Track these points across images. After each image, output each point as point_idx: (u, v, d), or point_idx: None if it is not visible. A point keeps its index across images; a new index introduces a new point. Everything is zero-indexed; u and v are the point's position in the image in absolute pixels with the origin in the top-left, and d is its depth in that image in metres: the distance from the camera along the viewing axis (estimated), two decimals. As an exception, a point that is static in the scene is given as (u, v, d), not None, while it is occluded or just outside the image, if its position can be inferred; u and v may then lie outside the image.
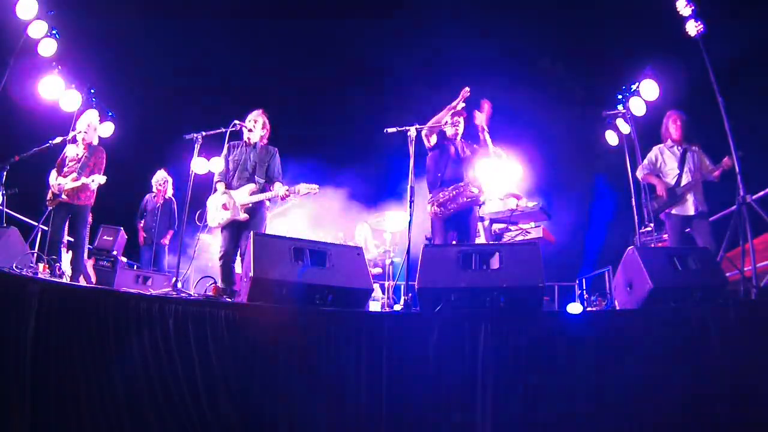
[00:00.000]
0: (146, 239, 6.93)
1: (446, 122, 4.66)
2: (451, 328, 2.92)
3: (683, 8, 4.53)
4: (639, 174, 5.05)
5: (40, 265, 4.18)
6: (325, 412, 2.81)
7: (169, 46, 7.66)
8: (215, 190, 4.55)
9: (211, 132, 4.37)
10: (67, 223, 5.08)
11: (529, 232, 5.45)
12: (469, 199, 4.50)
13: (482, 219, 5.50)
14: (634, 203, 6.07)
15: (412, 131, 4.13)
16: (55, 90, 6.23)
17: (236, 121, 4.47)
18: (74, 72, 6.43)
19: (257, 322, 2.91)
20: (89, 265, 5.79)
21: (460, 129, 4.74)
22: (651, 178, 4.87)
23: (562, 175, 7.11)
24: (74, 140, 5.20)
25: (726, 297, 3.20)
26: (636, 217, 5.98)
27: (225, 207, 4.43)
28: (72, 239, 5.23)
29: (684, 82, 5.64)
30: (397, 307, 4.02)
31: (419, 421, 2.80)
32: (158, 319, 2.85)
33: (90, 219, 5.38)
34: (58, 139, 4.99)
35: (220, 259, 4.45)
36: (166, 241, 7.00)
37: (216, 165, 4.69)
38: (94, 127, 5.37)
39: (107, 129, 6.89)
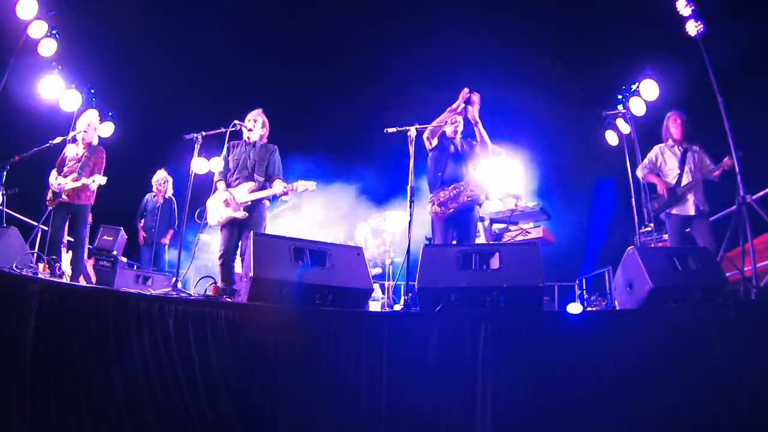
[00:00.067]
0: (146, 239, 6.93)
1: (446, 122, 4.66)
2: (451, 328, 2.92)
3: (683, 8, 4.53)
4: (639, 173, 5.05)
5: (40, 265, 4.18)
6: (325, 412, 2.81)
7: (169, 46, 7.67)
8: (215, 189, 4.55)
9: (211, 132, 4.37)
10: (67, 223, 5.08)
11: (529, 232, 5.45)
12: (469, 199, 4.50)
13: (482, 219, 5.50)
14: (634, 203, 6.08)
15: (412, 131, 4.12)
16: (55, 90, 6.23)
17: (236, 121, 4.48)
18: (74, 72, 6.42)
19: (257, 322, 2.91)
20: (89, 265, 5.79)
21: (460, 128, 4.74)
22: (651, 178, 4.87)
23: (562, 175, 7.12)
24: (74, 140, 5.20)
25: (726, 297, 3.20)
26: (636, 217, 5.99)
27: (227, 203, 4.44)
28: (72, 239, 5.23)
29: (684, 82, 5.64)
30: (397, 307, 4.02)
31: (419, 421, 2.80)
32: (158, 319, 2.85)
33: (90, 219, 5.38)
34: (58, 139, 4.99)
35: (219, 259, 4.45)
36: (167, 240, 7.00)
37: (216, 165, 4.69)
38: (94, 127, 5.37)
39: (107, 129, 6.89)
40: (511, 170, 5.74)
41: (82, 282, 4.98)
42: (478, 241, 5.12)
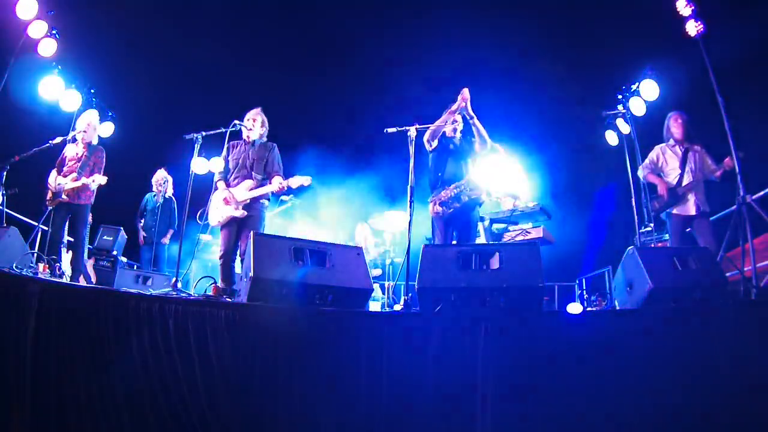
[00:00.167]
0: (146, 239, 6.93)
1: (446, 122, 4.66)
2: (451, 328, 2.92)
3: (683, 8, 4.52)
4: (640, 173, 5.06)
5: (40, 265, 4.18)
6: (325, 412, 2.81)
7: (169, 46, 7.66)
8: (216, 189, 4.56)
9: (211, 132, 4.38)
10: (67, 223, 5.09)
11: (529, 232, 5.45)
12: (470, 198, 4.50)
13: (482, 219, 5.51)
14: (634, 203, 6.08)
15: (412, 131, 4.12)
16: (55, 90, 6.23)
17: (236, 121, 4.48)
18: (74, 72, 6.42)
19: (257, 322, 2.90)
20: (89, 265, 5.79)
21: (459, 126, 4.74)
22: (652, 178, 4.87)
23: (562, 175, 7.10)
24: (74, 140, 5.21)
25: (726, 297, 3.20)
26: (636, 217, 5.99)
27: (226, 201, 4.45)
28: (72, 239, 5.23)
29: (684, 82, 5.64)
30: (397, 307, 4.02)
31: (419, 421, 2.80)
32: (158, 319, 2.85)
33: (90, 219, 5.39)
34: (58, 139, 4.99)
35: (219, 259, 4.46)
36: (166, 240, 7.00)
37: (216, 165, 4.70)
38: (94, 127, 5.37)
39: (107, 129, 6.89)
40: (509, 169, 5.74)
41: (82, 282, 4.98)
42: (478, 241, 5.12)
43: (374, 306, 5.67)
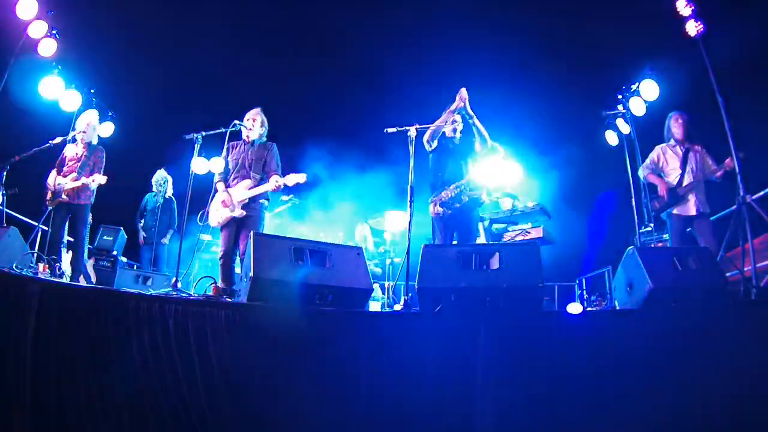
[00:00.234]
0: (146, 239, 6.93)
1: (446, 123, 4.66)
2: (451, 328, 2.92)
3: (683, 8, 4.52)
4: (641, 173, 5.06)
5: (40, 265, 4.18)
6: (325, 412, 2.81)
7: (169, 45, 7.66)
8: (215, 191, 4.56)
9: (211, 132, 4.38)
10: (67, 223, 5.08)
11: (529, 232, 5.45)
12: (470, 198, 4.50)
13: (482, 219, 5.51)
14: (634, 203, 6.08)
15: (412, 131, 4.12)
16: (55, 90, 6.23)
17: (236, 121, 4.49)
18: (74, 72, 6.42)
19: (257, 322, 2.91)
20: (89, 265, 5.79)
21: (459, 126, 4.74)
22: (653, 178, 4.87)
23: (562, 175, 7.10)
24: (74, 140, 5.21)
25: (726, 297, 3.20)
26: (636, 217, 5.99)
27: (224, 203, 4.45)
28: (72, 239, 5.23)
29: (684, 82, 5.63)
30: (397, 307, 4.02)
31: (419, 421, 2.80)
32: (158, 319, 2.85)
33: (90, 219, 5.39)
34: (58, 139, 4.99)
35: (220, 259, 4.47)
36: (166, 240, 7.00)
37: (216, 165, 4.70)
38: (93, 127, 5.38)
39: (107, 129, 6.89)
40: (509, 169, 5.74)
41: (82, 282, 4.98)
42: (478, 241, 5.12)
43: (374, 306, 5.67)
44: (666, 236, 5.24)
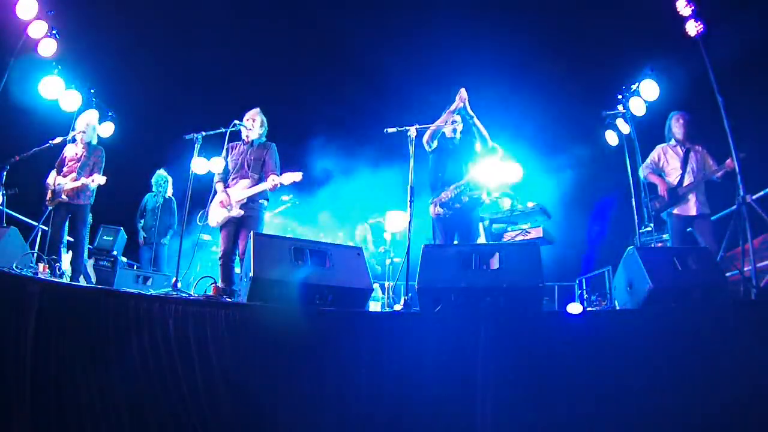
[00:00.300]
0: (146, 239, 6.93)
1: (445, 123, 4.66)
2: (451, 328, 2.92)
3: (683, 8, 4.52)
4: (642, 173, 5.06)
5: (40, 265, 4.18)
6: (325, 412, 2.81)
7: (169, 46, 7.66)
8: (215, 191, 4.56)
9: (211, 132, 4.38)
10: (67, 223, 5.09)
11: (529, 232, 5.45)
12: (470, 198, 4.50)
13: (482, 219, 5.51)
14: (634, 203, 6.08)
15: (412, 131, 4.12)
16: (55, 90, 6.23)
17: (236, 121, 4.49)
18: (74, 72, 6.42)
19: (257, 322, 2.91)
20: (89, 265, 5.79)
21: (459, 127, 4.74)
22: (653, 178, 4.87)
23: (562, 175, 7.10)
24: (73, 140, 5.21)
25: (726, 297, 3.20)
26: (636, 217, 5.99)
27: (222, 204, 4.45)
28: (72, 239, 5.24)
29: (684, 82, 5.64)
30: (397, 307, 4.02)
31: (419, 421, 2.80)
32: (158, 319, 2.85)
33: (90, 219, 5.39)
34: (58, 139, 5.00)
35: (220, 260, 4.47)
36: (166, 240, 7.00)
37: (216, 165, 4.70)
38: (93, 127, 5.38)
39: (107, 129, 6.89)
40: (508, 169, 5.74)
41: (82, 282, 4.98)
42: (478, 241, 5.12)
43: (374, 306, 5.68)
44: (666, 236, 5.24)
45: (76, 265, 5.04)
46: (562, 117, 7.59)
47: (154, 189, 7.12)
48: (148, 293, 3.42)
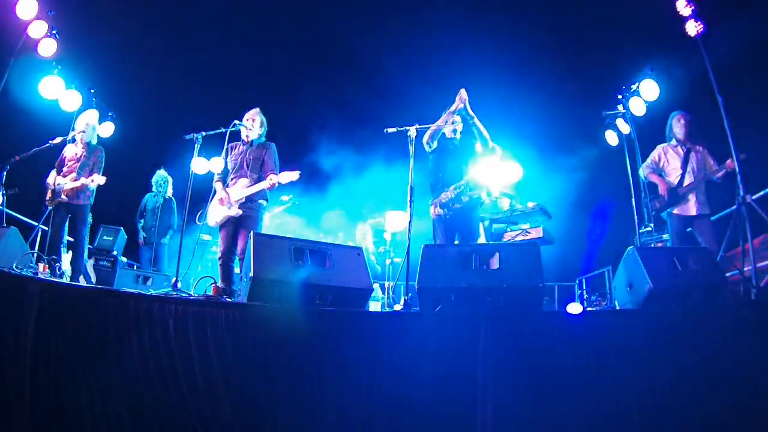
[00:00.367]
0: (146, 239, 6.93)
1: (445, 123, 4.65)
2: (451, 328, 2.92)
3: (683, 8, 4.52)
4: (642, 172, 5.06)
5: (40, 265, 4.18)
6: (325, 412, 2.81)
7: (169, 46, 7.66)
8: (214, 191, 4.56)
9: (211, 132, 4.37)
10: (67, 223, 5.09)
11: (529, 232, 5.45)
12: (470, 198, 4.50)
13: (482, 219, 5.50)
14: (634, 203, 6.08)
15: (412, 131, 4.12)
16: (55, 90, 6.23)
17: (236, 121, 4.49)
18: (74, 72, 6.42)
19: (257, 322, 2.91)
20: (89, 265, 5.79)
21: (459, 127, 4.74)
22: (653, 177, 4.87)
23: (562, 175, 7.11)
24: (73, 140, 5.21)
25: (726, 297, 3.20)
26: (636, 217, 5.99)
27: (222, 201, 4.46)
28: (72, 239, 5.24)
29: (684, 82, 5.64)
30: (397, 307, 4.02)
31: (419, 421, 2.80)
32: (158, 319, 2.85)
33: (90, 219, 5.39)
34: (58, 139, 5.00)
35: (219, 260, 4.47)
36: (166, 240, 7.01)
37: (216, 165, 4.70)
38: (93, 127, 5.38)
39: (107, 129, 6.89)
40: (508, 169, 5.74)
41: (82, 282, 4.98)
42: (478, 241, 5.12)
43: (374, 306, 5.67)
44: (666, 236, 5.25)
45: (76, 265, 5.04)
46: (562, 117, 7.59)
47: (154, 189, 7.12)
48: (148, 293, 3.42)
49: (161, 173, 7.13)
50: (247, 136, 4.66)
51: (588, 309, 4.55)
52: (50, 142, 4.94)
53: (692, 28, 4.47)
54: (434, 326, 2.93)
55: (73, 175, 5.01)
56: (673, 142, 4.86)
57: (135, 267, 6.75)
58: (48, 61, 6.05)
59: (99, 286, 3.95)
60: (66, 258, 5.22)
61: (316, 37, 8.54)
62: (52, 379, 2.75)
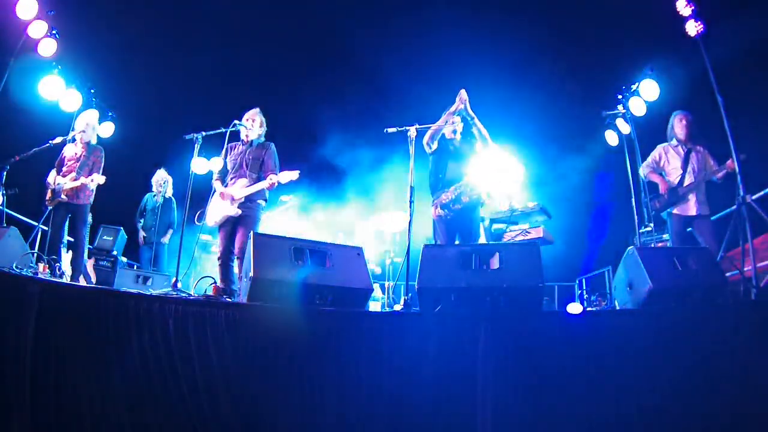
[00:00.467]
0: (146, 239, 6.93)
1: (445, 123, 4.65)
2: (451, 328, 2.92)
3: (683, 8, 4.52)
4: (642, 172, 5.06)
5: (40, 265, 4.18)
6: (325, 412, 2.81)
7: (169, 46, 7.66)
8: (213, 190, 4.57)
9: (211, 132, 4.37)
10: (67, 223, 5.09)
11: (529, 232, 5.45)
12: (471, 198, 4.50)
13: (482, 219, 5.50)
14: (634, 203, 6.08)
15: (412, 131, 4.12)
16: (55, 90, 6.23)
17: (236, 121, 4.49)
18: (74, 72, 6.42)
19: (257, 322, 2.90)
20: (89, 265, 5.79)
21: (458, 128, 4.73)
22: (653, 177, 4.88)
23: (562, 175, 7.11)
24: (73, 140, 5.21)
25: (726, 297, 3.20)
26: (636, 217, 5.99)
27: (222, 196, 4.47)
28: (72, 239, 5.23)
29: (684, 82, 5.64)
30: (397, 307, 4.02)
31: (419, 421, 2.80)
32: (158, 319, 2.85)
33: (90, 219, 5.39)
34: (58, 139, 5.00)
35: (218, 260, 4.47)
36: (166, 240, 7.01)
37: (216, 165, 4.71)
38: (93, 127, 5.38)
39: (107, 129, 6.89)
40: (507, 169, 5.73)
41: (82, 282, 4.98)
42: (478, 241, 5.12)
43: (374, 306, 5.67)
44: (666, 236, 5.24)
45: (76, 265, 5.04)
46: (562, 117, 7.59)
47: (153, 189, 7.12)
48: (148, 293, 3.42)
49: (161, 173, 7.13)
50: (246, 136, 4.66)
51: (588, 309, 4.55)
52: (50, 142, 4.94)
53: (692, 28, 4.47)
54: (434, 326, 2.93)
55: (73, 174, 5.01)
56: (674, 141, 4.86)
57: (135, 267, 6.75)
58: (48, 61, 6.05)
59: (99, 286, 3.96)
60: (66, 258, 5.22)
61: (316, 37, 8.54)
62: (52, 379, 2.75)
